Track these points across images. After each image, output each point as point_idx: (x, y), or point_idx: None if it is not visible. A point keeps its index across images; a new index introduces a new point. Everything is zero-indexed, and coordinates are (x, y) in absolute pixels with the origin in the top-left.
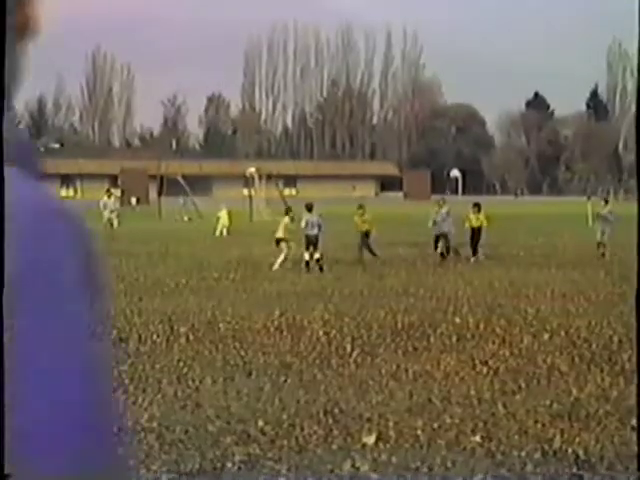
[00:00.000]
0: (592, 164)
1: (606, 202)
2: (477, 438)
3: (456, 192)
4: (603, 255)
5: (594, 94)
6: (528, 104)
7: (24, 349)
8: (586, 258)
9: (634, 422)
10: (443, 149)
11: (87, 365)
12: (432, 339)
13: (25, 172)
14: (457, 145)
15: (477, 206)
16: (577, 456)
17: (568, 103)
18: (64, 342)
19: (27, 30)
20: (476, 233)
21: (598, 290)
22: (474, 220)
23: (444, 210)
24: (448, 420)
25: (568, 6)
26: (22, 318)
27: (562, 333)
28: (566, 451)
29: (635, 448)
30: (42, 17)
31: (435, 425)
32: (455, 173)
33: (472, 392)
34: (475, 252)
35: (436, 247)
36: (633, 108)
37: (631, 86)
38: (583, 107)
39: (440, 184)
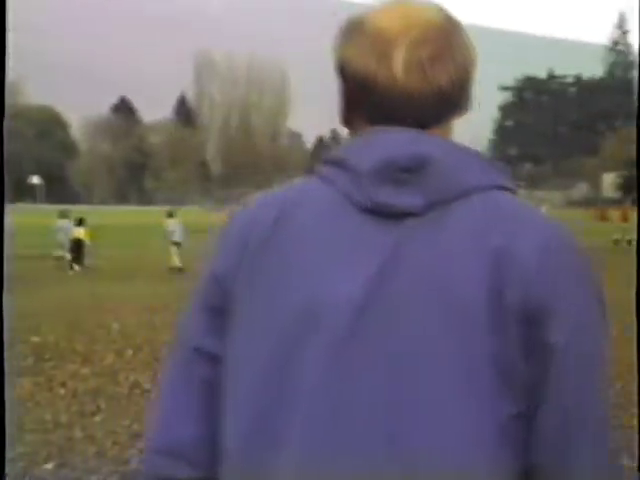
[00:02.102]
0: (180, 172)
1: (171, 215)
2: (49, 466)
3: (37, 200)
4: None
5: (182, 101)
6: (114, 109)
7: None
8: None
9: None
10: (22, 154)
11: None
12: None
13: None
14: (38, 150)
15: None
16: None
17: (155, 110)
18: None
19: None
20: (79, 244)
21: (185, 303)
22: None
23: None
24: (20, 449)
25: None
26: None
27: (146, 348)
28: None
29: None
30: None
31: (9, 456)
32: (36, 180)
33: (48, 416)
34: (80, 262)
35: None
36: (220, 117)
37: (219, 95)
38: (170, 114)
39: (20, 191)
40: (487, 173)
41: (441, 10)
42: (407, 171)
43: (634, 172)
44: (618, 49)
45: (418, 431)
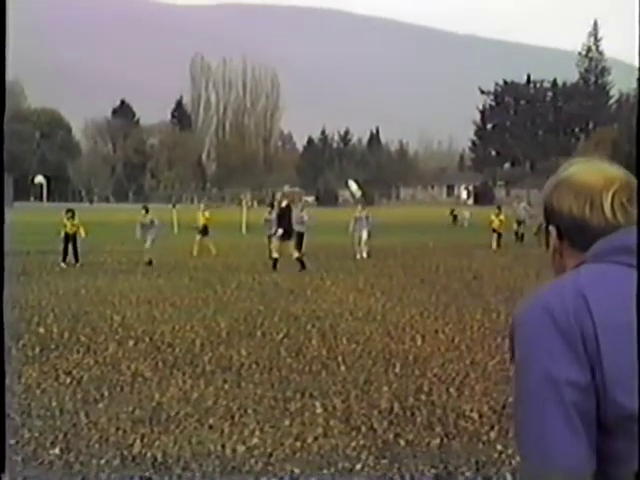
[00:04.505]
0: (177, 172)
1: (147, 211)
2: (55, 450)
3: (41, 199)
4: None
5: (179, 104)
6: (114, 112)
7: None
8: (178, 263)
9: (212, 422)
10: (27, 154)
11: None
12: (13, 351)
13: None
14: (41, 150)
15: (71, 212)
16: (155, 459)
17: (153, 112)
18: None
19: None
20: (71, 239)
21: (182, 295)
22: (69, 226)
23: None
24: (27, 434)
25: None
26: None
27: (147, 339)
28: (145, 455)
29: None
30: None
31: (12, 441)
32: (40, 179)
33: (54, 403)
34: (76, 259)
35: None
36: (215, 120)
37: (214, 98)
38: (168, 117)
39: (24, 190)
40: None
41: (623, 169)
42: None
43: None
44: (591, 56)
45: None
